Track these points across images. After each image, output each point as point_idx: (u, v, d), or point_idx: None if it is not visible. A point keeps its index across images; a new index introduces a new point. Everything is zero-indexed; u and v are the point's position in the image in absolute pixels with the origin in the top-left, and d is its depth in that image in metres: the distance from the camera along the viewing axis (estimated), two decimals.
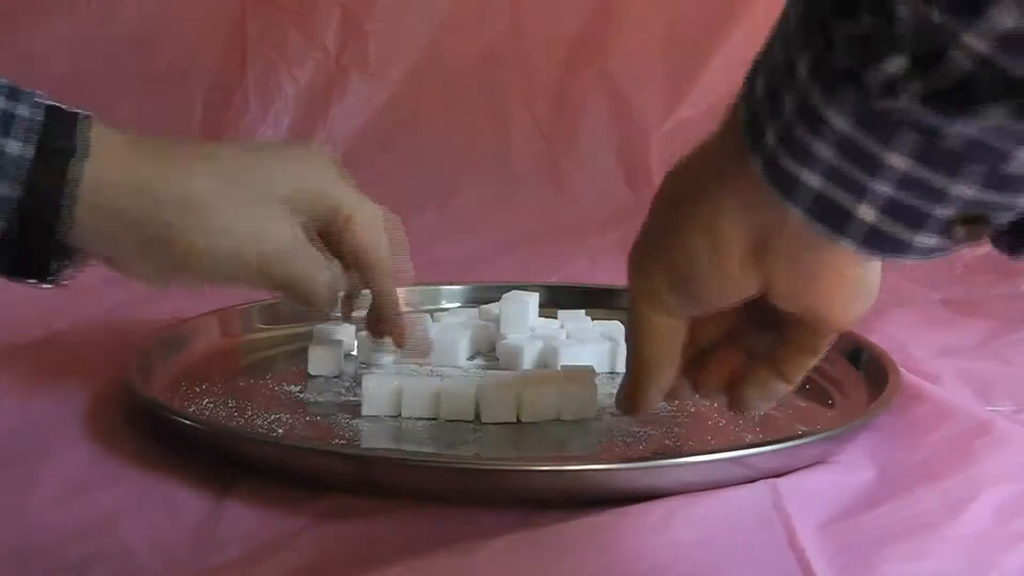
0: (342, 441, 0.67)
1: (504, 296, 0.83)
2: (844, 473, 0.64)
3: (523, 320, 0.81)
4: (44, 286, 0.64)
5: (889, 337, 0.89)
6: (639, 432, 0.68)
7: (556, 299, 0.84)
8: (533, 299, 0.82)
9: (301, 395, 0.74)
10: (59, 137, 0.61)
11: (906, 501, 0.61)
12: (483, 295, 0.92)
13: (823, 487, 0.62)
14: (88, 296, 1.01)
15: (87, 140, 0.61)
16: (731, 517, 0.59)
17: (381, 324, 0.72)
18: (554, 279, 1.00)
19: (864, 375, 0.76)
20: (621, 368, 0.76)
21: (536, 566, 0.54)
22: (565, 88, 1.41)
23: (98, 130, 0.63)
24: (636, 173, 1.36)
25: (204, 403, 0.72)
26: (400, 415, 0.69)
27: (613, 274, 1.13)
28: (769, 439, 0.67)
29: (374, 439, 0.68)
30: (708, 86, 1.38)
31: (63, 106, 0.62)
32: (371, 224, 0.69)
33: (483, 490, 0.60)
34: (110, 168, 0.62)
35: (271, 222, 0.65)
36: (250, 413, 0.70)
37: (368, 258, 0.69)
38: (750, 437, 0.68)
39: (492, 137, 1.38)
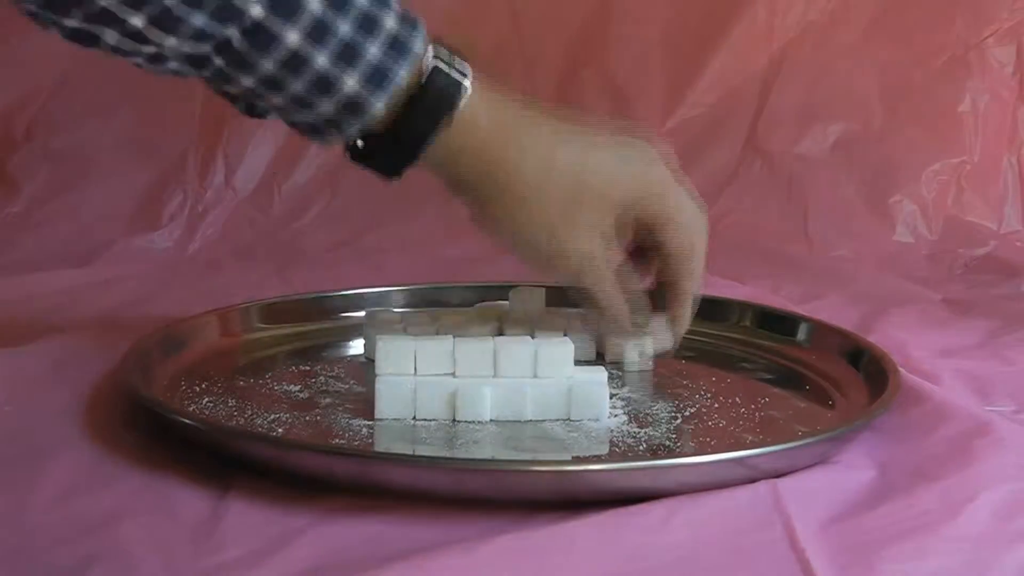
0: (342, 441, 0.67)
1: (511, 293, 0.83)
2: (844, 473, 0.64)
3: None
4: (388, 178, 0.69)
5: (889, 337, 0.89)
6: (639, 432, 0.68)
7: (556, 299, 0.83)
8: (539, 293, 0.82)
9: (301, 395, 0.74)
10: (454, 56, 0.66)
11: (906, 501, 0.61)
12: (484, 295, 0.92)
13: (823, 487, 0.62)
14: (88, 296, 1.02)
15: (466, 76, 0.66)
16: (731, 517, 0.59)
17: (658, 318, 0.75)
18: (553, 280, 0.99)
19: (864, 375, 0.76)
20: None
21: (536, 566, 0.54)
22: (565, 88, 1.41)
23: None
24: None
25: (204, 403, 0.72)
26: (415, 417, 0.70)
27: None
28: (769, 440, 0.67)
29: (373, 439, 0.68)
30: (708, 86, 1.39)
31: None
32: (688, 228, 0.74)
33: (483, 490, 0.60)
34: (483, 106, 0.66)
35: (581, 231, 0.69)
36: (250, 413, 0.70)
37: (679, 265, 0.74)
38: (750, 438, 0.68)
39: None
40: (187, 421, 0.66)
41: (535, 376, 0.70)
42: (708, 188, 1.34)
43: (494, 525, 0.57)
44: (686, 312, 0.75)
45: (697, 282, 0.75)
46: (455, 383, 0.70)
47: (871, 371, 0.75)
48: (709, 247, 1.24)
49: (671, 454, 0.65)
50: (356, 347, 0.84)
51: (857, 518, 0.59)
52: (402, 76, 0.63)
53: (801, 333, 0.84)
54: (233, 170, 1.31)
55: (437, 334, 0.75)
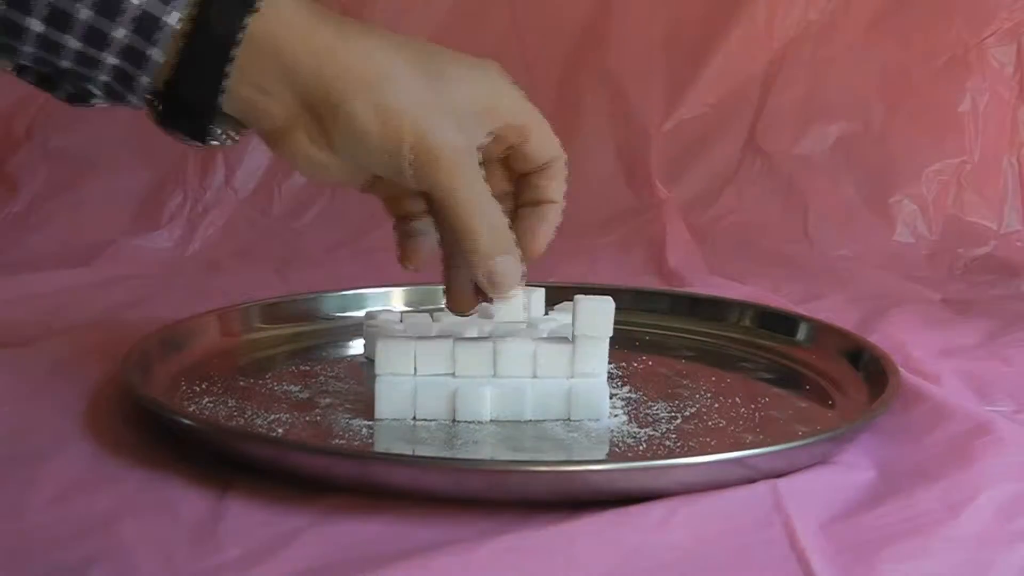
0: (342, 441, 0.67)
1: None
2: (844, 473, 0.64)
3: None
4: (196, 144, 0.63)
5: (889, 337, 0.89)
6: (639, 432, 0.68)
7: (556, 299, 0.83)
8: (539, 293, 0.82)
9: (301, 395, 0.74)
10: None
11: (906, 501, 0.61)
12: None
13: (823, 487, 0.62)
14: (88, 296, 1.02)
15: None
16: (731, 517, 0.59)
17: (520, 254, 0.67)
18: (553, 279, 0.99)
19: (864, 375, 0.76)
20: None
21: (536, 566, 0.54)
22: (565, 88, 1.41)
23: None
24: (636, 173, 1.36)
25: (204, 403, 0.72)
26: (415, 417, 0.70)
27: (613, 274, 1.14)
28: (769, 440, 0.67)
29: (373, 439, 0.68)
30: (708, 86, 1.39)
31: None
32: (550, 142, 0.68)
33: (483, 490, 0.60)
34: (284, 24, 0.60)
35: (445, 120, 0.62)
36: (250, 413, 0.70)
37: (549, 170, 0.67)
38: (750, 438, 0.68)
39: None
40: (187, 421, 0.66)
41: (535, 376, 0.70)
42: (708, 188, 1.35)
43: (494, 525, 0.57)
44: (551, 231, 0.68)
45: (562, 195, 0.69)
46: (455, 383, 0.70)
47: (871, 371, 0.75)
48: (709, 246, 1.25)
49: (671, 454, 0.65)
50: (356, 347, 0.84)
51: (857, 518, 0.59)
52: (176, 19, 0.59)
53: (801, 333, 0.84)
54: (233, 170, 1.31)
55: (436, 334, 0.75)
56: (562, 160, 0.68)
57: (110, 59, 0.60)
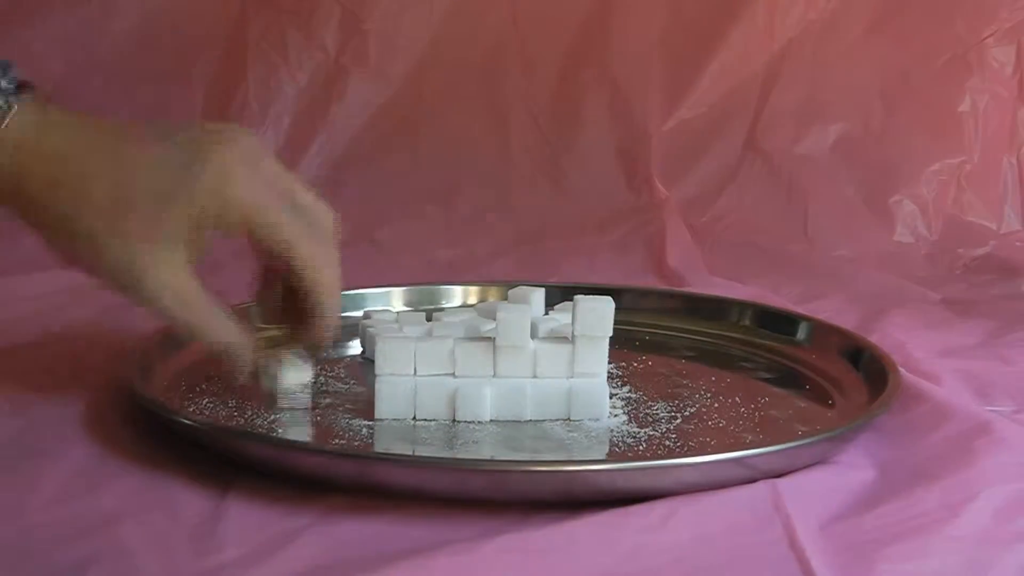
0: (342, 441, 0.67)
1: (510, 292, 0.83)
2: (844, 473, 0.64)
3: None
4: None
5: (889, 337, 0.89)
6: (639, 432, 0.68)
7: (555, 299, 0.83)
8: (539, 294, 0.82)
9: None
10: None
11: (906, 501, 0.61)
12: (481, 295, 0.92)
13: (823, 487, 0.62)
14: (88, 296, 1.02)
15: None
16: (731, 517, 0.59)
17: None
18: (553, 279, 1.00)
19: (864, 375, 0.76)
20: None
21: (536, 566, 0.54)
22: (565, 88, 1.41)
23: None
24: (636, 173, 1.36)
25: (204, 403, 0.72)
26: (415, 418, 0.70)
27: (612, 274, 1.14)
28: (769, 439, 0.67)
29: (373, 439, 0.68)
30: (708, 86, 1.39)
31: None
32: (319, 261, 0.67)
33: (483, 490, 0.60)
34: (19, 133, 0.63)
35: (162, 267, 0.64)
36: (250, 413, 0.70)
37: (316, 297, 0.68)
38: (750, 437, 0.68)
39: (492, 137, 1.38)
40: (187, 421, 0.66)
41: (535, 376, 0.70)
42: (708, 188, 1.35)
43: (494, 525, 0.57)
44: (335, 314, 0.69)
45: (337, 275, 0.68)
46: (455, 383, 0.70)
47: (871, 371, 0.75)
48: (709, 246, 1.24)
49: (671, 454, 0.65)
50: (356, 347, 0.84)
51: (857, 518, 0.59)
52: None
53: (801, 333, 0.84)
54: None
55: (433, 334, 0.74)
56: (328, 259, 0.67)
57: None
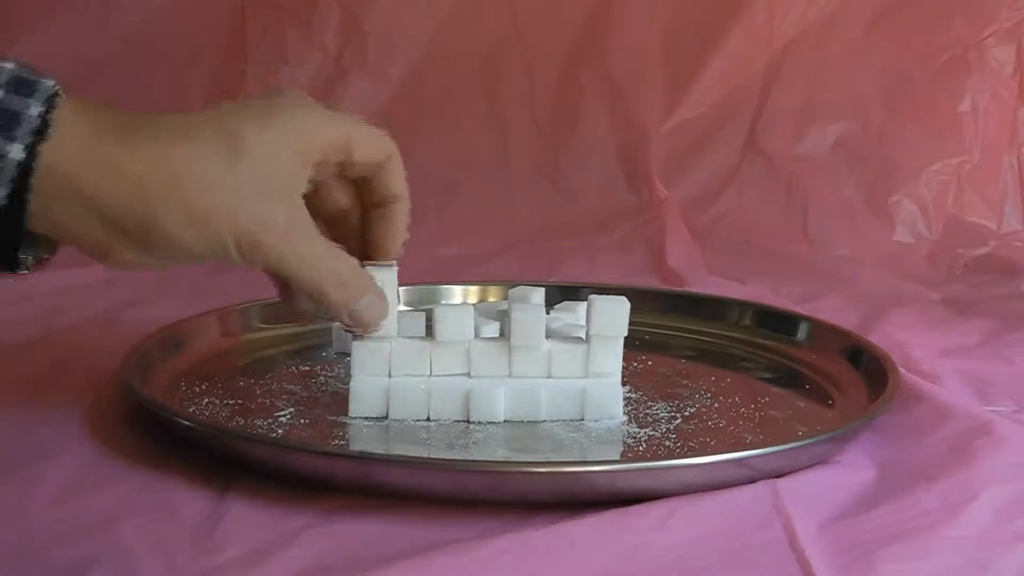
0: (342, 442, 0.67)
1: (510, 291, 0.84)
2: (844, 473, 0.64)
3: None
4: (11, 274, 0.59)
5: (889, 337, 0.89)
6: (639, 433, 0.68)
7: (555, 299, 0.83)
8: (539, 293, 0.82)
9: (301, 395, 0.74)
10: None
11: (906, 501, 0.61)
12: (482, 295, 0.92)
13: (823, 487, 0.62)
14: (88, 296, 1.02)
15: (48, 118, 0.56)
16: (731, 517, 0.59)
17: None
18: (553, 279, 1.00)
19: (864, 375, 0.76)
20: None
21: (536, 566, 0.54)
22: (565, 88, 1.41)
23: (60, 110, 0.56)
24: (636, 173, 1.36)
25: (204, 403, 0.72)
26: (388, 417, 0.70)
27: (613, 274, 1.14)
28: (769, 440, 0.67)
29: (373, 440, 0.68)
30: (708, 86, 1.39)
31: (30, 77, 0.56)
32: (375, 143, 0.66)
33: (483, 490, 0.60)
34: (69, 148, 0.56)
35: (257, 200, 0.59)
36: (250, 414, 0.70)
37: (386, 169, 0.67)
38: (750, 438, 0.68)
39: (492, 137, 1.38)
40: (187, 421, 0.66)
41: (549, 376, 0.70)
42: (708, 188, 1.35)
43: (494, 525, 0.57)
44: (403, 227, 0.69)
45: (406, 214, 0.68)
46: (470, 383, 0.70)
47: (871, 371, 0.75)
48: (709, 246, 1.25)
49: (671, 454, 0.65)
50: None
51: (857, 518, 0.59)
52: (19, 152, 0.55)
53: (801, 333, 0.84)
54: None
55: (430, 334, 0.74)
56: (394, 154, 0.67)
57: None
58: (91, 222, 0.57)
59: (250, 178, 0.59)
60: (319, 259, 0.63)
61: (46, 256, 0.61)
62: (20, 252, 0.58)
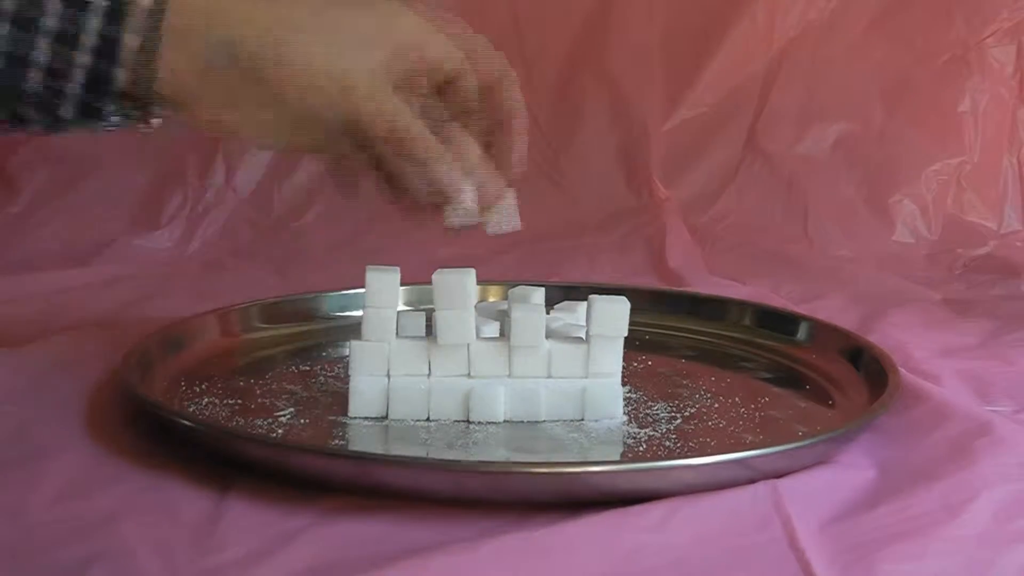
0: (342, 442, 0.67)
1: (510, 291, 0.83)
2: (844, 473, 0.64)
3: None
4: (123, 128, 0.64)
5: (889, 337, 0.89)
6: (639, 433, 0.68)
7: (555, 299, 0.83)
8: (539, 293, 0.82)
9: (301, 395, 0.74)
10: None
11: (906, 501, 0.61)
12: (482, 295, 0.92)
13: (823, 487, 0.62)
14: (88, 296, 1.02)
15: None
16: (731, 517, 0.59)
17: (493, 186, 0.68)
18: (554, 279, 1.00)
19: (864, 375, 0.76)
20: None
21: (536, 566, 0.54)
22: (565, 88, 1.41)
23: None
24: (636, 173, 1.36)
25: (204, 403, 0.72)
26: (388, 417, 0.70)
27: (613, 274, 1.14)
28: (769, 440, 0.67)
29: (373, 440, 0.68)
30: (708, 86, 1.39)
31: None
32: (490, 61, 0.68)
33: (483, 490, 0.60)
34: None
35: (362, 63, 0.63)
36: (250, 414, 0.70)
37: (497, 90, 0.68)
38: (750, 438, 0.68)
39: None
40: (187, 421, 0.66)
41: (549, 376, 0.70)
42: (708, 188, 1.35)
43: (494, 525, 0.57)
44: (523, 142, 0.69)
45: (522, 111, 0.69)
46: (470, 384, 0.70)
47: (871, 371, 0.75)
48: (709, 246, 1.24)
49: (671, 454, 0.65)
50: None
51: (857, 518, 0.59)
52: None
53: (801, 333, 0.84)
54: (233, 170, 1.31)
55: (428, 334, 0.75)
56: (509, 75, 0.69)
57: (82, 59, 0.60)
58: (223, 62, 0.61)
59: (354, 34, 0.63)
60: (413, 124, 0.64)
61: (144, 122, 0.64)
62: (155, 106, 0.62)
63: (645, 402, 0.73)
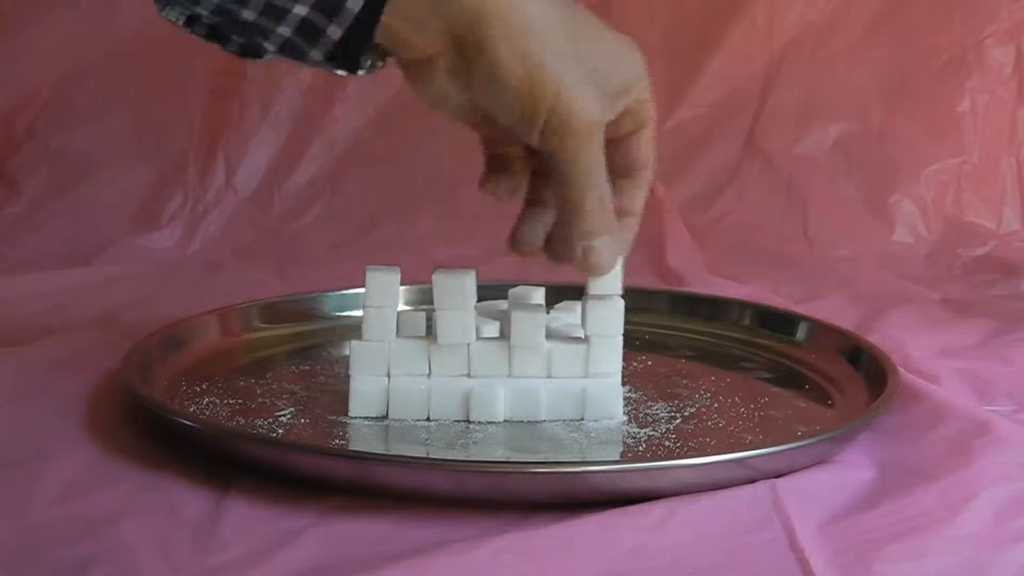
0: (342, 441, 0.67)
1: (511, 291, 0.83)
2: (844, 473, 0.64)
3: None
4: (345, 73, 0.63)
5: (889, 337, 0.89)
6: (639, 433, 0.68)
7: (555, 299, 0.83)
8: (539, 293, 0.82)
9: (301, 395, 0.74)
10: None
11: (906, 501, 0.61)
12: (482, 295, 0.92)
13: (823, 487, 0.62)
14: (88, 296, 1.02)
15: None
16: (731, 517, 0.59)
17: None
18: (553, 279, 0.99)
19: (864, 375, 0.76)
20: None
21: (536, 566, 0.54)
22: None
23: None
24: None
25: (204, 403, 0.72)
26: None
27: None
28: (769, 440, 0.67)
29: (373, 439, 0.68)
30: (708, 86, 1.38)
31: None
32: (650, 146, 0.70)
33: (483, 490, 0.60)
34: None
35: (587, 89, 0.62)
36: (250, 413, 0.70)
37: (634, 177, 0.69)
38: (750, 438, 0.68)
39: None
40: (187, 421, 0.66)
41: (549, 376, 0.70)
42: (708, 188, 1.35)
43: (494, 525, 0.58)
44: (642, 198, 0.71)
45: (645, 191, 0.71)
46: (470, 384, 0.70)
47: (870, 371, 0.75)
48: (708, 246, 1.24)
49: (671, 454, 0.65)
50: None
51: (857, 518, 0.59)
52: None
53: (801, 333, 0.84)
54: (233, 170, 1.31)
55: (428, 334, 0.75)
56: (649, 172, 0.70)
57: (299, 9, 0.59)
58: (432, 32, 0.60)
59: (589, 70, 0.63)
60: (599, 173, 0.64)
61: (380, 64, 0.63)
62: (363, 57, 0.61)
63: (645, 402, 0.73)
